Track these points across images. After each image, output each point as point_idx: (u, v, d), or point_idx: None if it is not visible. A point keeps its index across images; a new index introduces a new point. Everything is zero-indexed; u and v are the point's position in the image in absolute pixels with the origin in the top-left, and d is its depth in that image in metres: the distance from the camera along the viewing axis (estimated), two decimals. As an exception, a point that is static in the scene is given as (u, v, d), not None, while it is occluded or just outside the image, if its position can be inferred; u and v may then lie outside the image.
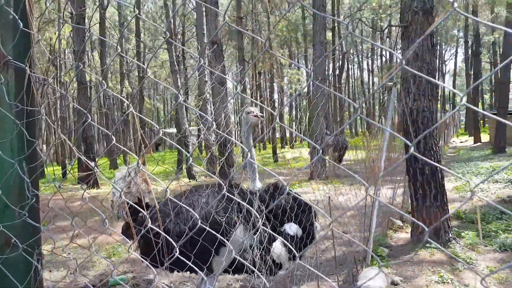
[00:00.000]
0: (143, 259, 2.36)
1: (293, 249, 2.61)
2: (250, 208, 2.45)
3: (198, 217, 2.53)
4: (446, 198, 5.13)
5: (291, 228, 2.71)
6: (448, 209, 5.13)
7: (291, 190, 3.17)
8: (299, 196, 3.03)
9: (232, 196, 2.62)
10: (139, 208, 2.26)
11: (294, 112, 42.10)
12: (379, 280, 3.89)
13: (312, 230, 2.85)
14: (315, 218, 2.93)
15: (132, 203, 2.43)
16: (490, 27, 29.27)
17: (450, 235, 5.01)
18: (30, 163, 1.54)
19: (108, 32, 20.45)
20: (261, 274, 2.55)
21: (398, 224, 5.95)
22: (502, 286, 3.75)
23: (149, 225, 2.34)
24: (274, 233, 2.68)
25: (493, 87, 33.05)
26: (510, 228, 5.19)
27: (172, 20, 14.24)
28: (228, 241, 2.54)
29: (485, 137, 21.20)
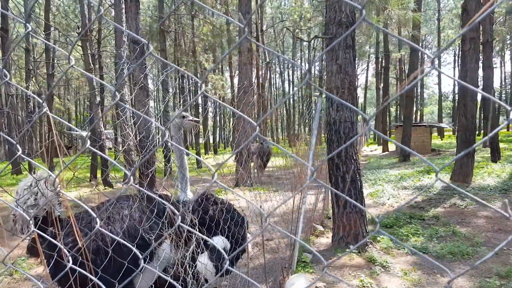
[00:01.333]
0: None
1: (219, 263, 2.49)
2: (181, 224, 2.27)
3: (118, 231, 2.30)
4: (364, 204, 5.42)
5: (219, 241, 2.58)
6: (365, 215, 5.43)
7: (222, 201, 3.04)
8: (232, 207, 2.93)
9: (160, 208, 2.43)
10: (41, 232, 1.95)
11: (218, 118, 42.14)
12: (304, 285, 3.94)
13: (243, 243, 2.76)
14: (247, 229, 2.85)
15: (31, 220, 2.12)
16: (398, 45, 32.35)
17: (367, 239, 5.30)
18: None
19: (12, 23, 18.38)
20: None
21: (319, 229, 6.14)
22: None
23: (57, 242, 2.05)
24: (201, 247, 2.52)
25: (399, 101, 36.54)
26: (418, 232, 5.66)
27: (87, 15, 13.27)
28: (153, 258, 2.34)
29: (392, 147, 23.27)
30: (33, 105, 20.44)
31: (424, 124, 20.70)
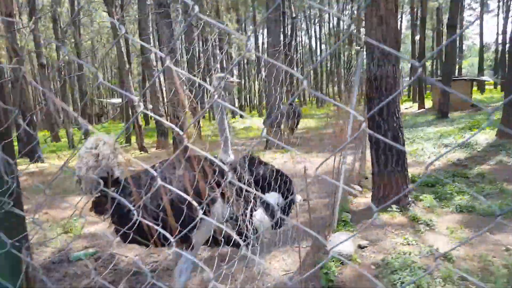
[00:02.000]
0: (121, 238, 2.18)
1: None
2: (235, 181, 2.30)
3: (176, 190, 2.36)
4: (407, 164, 5.26)
5: (272, 197, 2.60)
6: (408, 174, 5.29)
7: (265, 162, 3.03)
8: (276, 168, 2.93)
9: (212, 168, 2.45)
10: (106, 189, 2.02)
11: (242, 81, 41.67)
12: (347, 243, 3.94)
13: (292, 201, 2.77)
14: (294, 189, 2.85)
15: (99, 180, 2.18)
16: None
17: (409, 199, 5.19)
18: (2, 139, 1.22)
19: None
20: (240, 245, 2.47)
21: (357, 189, 6.07)
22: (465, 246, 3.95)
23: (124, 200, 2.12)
24: (255, 203, 2.57)
25: (435, 55, 34.75)
26: (463, 191, 5.48)
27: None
28: (209, 214, 2.41)
29: (428, 103, 22.37)
30: (65, 74, 20.87)
31: (463, 78, 19.66)
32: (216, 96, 2.73)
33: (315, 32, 49.04)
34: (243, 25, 35.45)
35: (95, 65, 36.18)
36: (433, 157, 7.79)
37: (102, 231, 2.17)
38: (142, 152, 12.77)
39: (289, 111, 12.05)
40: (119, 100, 38.19)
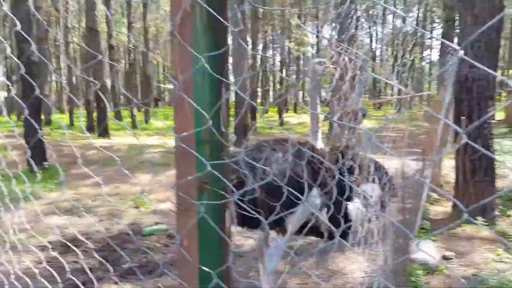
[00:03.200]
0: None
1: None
2: (332, 166, 2.22)
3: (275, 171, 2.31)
4: (495, 174, 4.89)
5: (369, 188, 2.47)
6: (495, 185, 4.91)
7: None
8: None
9: (307, 154, 2.38)
10: None
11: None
12: (432, 253, 3.72)
13: (391, 195, 2.61)
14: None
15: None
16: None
17: (496, 212, 4.82)
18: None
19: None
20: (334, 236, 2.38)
21: (434, 197, 5.75)
22: None
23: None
24: (351, 193, 2.44)
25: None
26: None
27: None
28: (305, 199, 2.32)
29: (500, 115, 20.49)
30: (134, 57, 21.77)
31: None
32: (313, 81, 2.64)
33: (376, 33, 47.15)
34: (304, 20, 35.03)
35: (157, 51, 37.46)
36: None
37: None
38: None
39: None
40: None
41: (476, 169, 4.77)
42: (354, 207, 2.47)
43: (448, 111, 4.46)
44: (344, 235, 2.54)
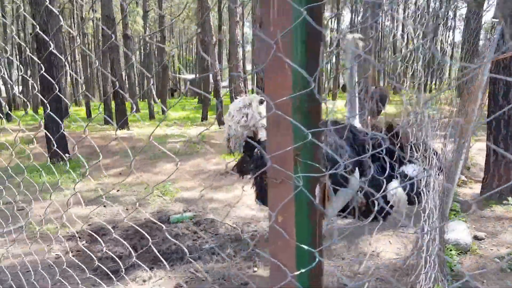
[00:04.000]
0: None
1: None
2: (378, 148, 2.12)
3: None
4: (528, 154, 4.70)
5: (411, 169, 2.38)
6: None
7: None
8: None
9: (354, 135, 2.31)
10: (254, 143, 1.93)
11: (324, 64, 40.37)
12: (463, 233, 3.62)
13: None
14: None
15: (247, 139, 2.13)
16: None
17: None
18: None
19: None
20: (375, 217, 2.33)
21: (462, 179, 5.60)
22: None
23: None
24: (392, 173, 2.35)
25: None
26: None
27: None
28: (349, 183, 2.26)
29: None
30: (150, 47, 21.78)
31: None
32: (351, 57, 2.53)
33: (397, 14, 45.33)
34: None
35: (172, 40, 37.45)
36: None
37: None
38: (221, 126, 13.02)
39: (375, 94, 11.47)
40: (193, 75, 39.40)
41: (509, 148, 4.60)
42: (395, 186, 2.39)
43: (484, 90, 4.28)
44: (385, 216, 2.48)
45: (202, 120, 15.98)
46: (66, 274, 3.26)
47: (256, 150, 2.18)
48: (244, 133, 2.13)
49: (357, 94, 2.79)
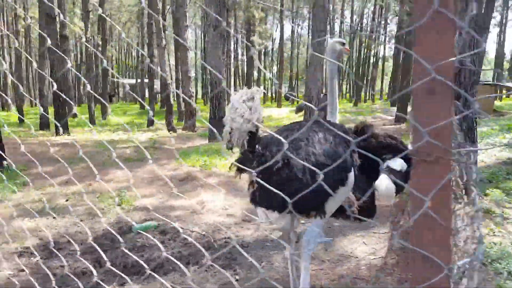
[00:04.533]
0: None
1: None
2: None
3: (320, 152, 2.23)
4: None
5: (396, 162, 2.43)
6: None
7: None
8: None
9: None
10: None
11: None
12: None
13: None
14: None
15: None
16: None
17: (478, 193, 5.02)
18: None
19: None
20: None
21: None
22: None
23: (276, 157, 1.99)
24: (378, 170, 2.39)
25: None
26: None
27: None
28: (345, 182, 2.24)
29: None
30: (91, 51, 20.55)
31: (489, 83, 19.30)
32: (330, 58, 2.56)
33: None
34: (265, 15, 34.94)
35: (111, 43, 35.80)
36: (482, 155, 7.60)
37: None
38: (171, 132, 12.61)
39: (322, 101, 11.87)
40: (133, 81, 37.95)
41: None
42: (382, 183, 2.40)
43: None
44: (371, 214, 2.50)
45: (148, 126, 15.43)
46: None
47: (257, 146, 2.11)
48: (247, 127, 2.04)
49: (336, 94, 2.85)
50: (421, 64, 0.65)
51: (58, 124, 9.35)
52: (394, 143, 2.48)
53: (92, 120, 16.95)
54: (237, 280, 3.14)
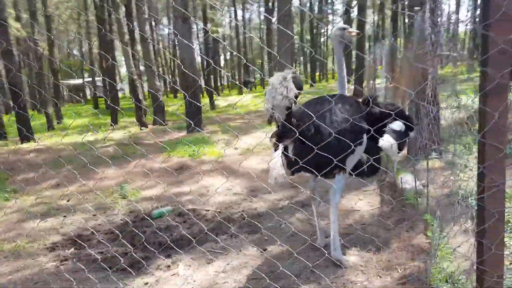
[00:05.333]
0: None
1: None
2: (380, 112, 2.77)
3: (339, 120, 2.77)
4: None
5: (396, 124, 3.00)
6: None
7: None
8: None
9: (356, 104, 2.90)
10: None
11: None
12: (412, 183, 4.50)
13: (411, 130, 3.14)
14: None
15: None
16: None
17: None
18: None
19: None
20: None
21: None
22: None
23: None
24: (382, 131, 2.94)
25: None
26: None
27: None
28: (362, 143, 2.81)
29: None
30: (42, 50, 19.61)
31: None
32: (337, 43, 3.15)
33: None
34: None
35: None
36: None
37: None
38: (142, 128, 12.67)
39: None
40: (79, 81, 36.41)
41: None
42: (386, 141, 2.90)
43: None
44: (376, 170, 3.08)
45: (111, 125, 15.28)
46: (81, 278, 3.17)
47: (293, 119, 2.61)
48: (285, 103, 2.54)
49: (345, 73, 3.36)
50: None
51: (29, 131, 9.16)
52: (393, 108, 3.06)
53: (50, 125, 16.46)
54: (266, 239, 3.64)
